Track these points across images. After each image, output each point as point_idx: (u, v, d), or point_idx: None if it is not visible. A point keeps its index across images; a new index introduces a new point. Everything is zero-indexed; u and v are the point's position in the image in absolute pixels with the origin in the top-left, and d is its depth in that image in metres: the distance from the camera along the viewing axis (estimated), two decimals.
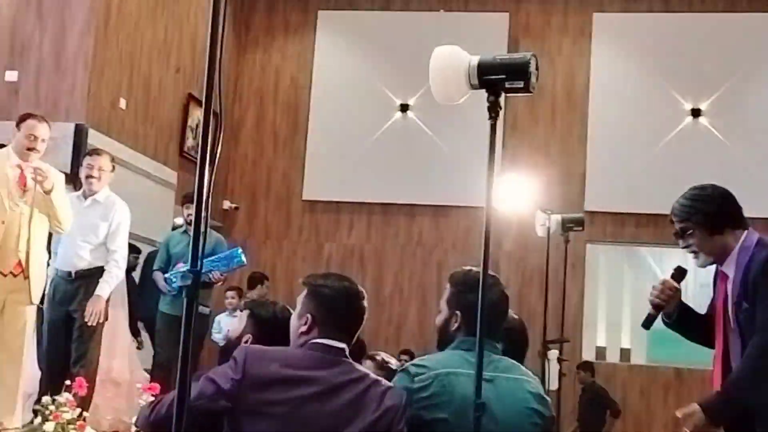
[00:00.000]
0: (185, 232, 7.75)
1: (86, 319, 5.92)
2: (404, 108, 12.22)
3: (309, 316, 3.04)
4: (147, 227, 9.15)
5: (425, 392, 3.08)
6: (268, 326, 3.38)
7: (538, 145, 12.08)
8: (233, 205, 12.61)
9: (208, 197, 2.45)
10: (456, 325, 3.27)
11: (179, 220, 9.54)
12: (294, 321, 3.12)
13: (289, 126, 12.70)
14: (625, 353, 12.52)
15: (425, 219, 12.19)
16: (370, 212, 12.40)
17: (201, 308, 7.44)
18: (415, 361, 3.25)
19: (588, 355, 11.71)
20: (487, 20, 12.21)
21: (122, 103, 9.70)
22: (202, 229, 2.42)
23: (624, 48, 11.99)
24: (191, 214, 7.33)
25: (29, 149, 5.44)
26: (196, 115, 11.55)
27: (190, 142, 11.39)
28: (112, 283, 6.15)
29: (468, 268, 3.36)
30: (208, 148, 2.45)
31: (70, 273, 6.07)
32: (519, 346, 3.69)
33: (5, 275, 5.30)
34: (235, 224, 12.62)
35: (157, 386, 5.21)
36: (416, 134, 12.12)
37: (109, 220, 6.21)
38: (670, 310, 3.72)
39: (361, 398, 2.93)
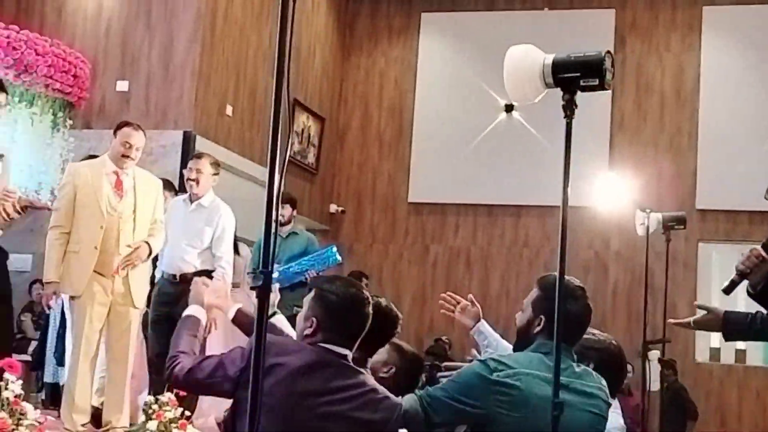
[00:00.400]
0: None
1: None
2: (509, 108, 12.15)
3: (314, 319, 3.06)
4: (255, 231, 9.30)
5: (503, 388, 3.08)
6: (412, 363, 3.53)
7: (646, 142, 11.85)
8: (340, 209, 12.75)
9: (278, 200, 2.48)
10: (538, 328, 3.26)
11: (300, 227, 9.62)
12: (300, 322, 3.15)
13: (393, 129, 12.77)
14: (740, 354, 12.14)
15: (531, 219, 12.08)
16: (476, 214, 12.37)
17: (296, 309, 7.44)
18: (496, 356, 3.24)
19: (702, 356, 11.44)
20: (592, 17, 12.04)
21: (229, 110, 9.92)
22: (273, 230, 2.45)
23: (735, 42, 11.65)
24: (283, 215, 7.46)
25: (124, 156, 5.58)
26: (301, 119, 11.73)
27: (296, 147, 11.57)
28: None
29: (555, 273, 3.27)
30: (278, 152, 2.47)
31: (174, 276, 6.20)
32: (614, 373, 3.60)
33: (107, 277, 5.47)
34: (342, 227, 12.75)
35: None
36: (521, 134, 12.03)
37: (214, 225, 6.32)
38: (756, 280, 3.58)
39: (353, 404, 2.95)
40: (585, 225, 11.09)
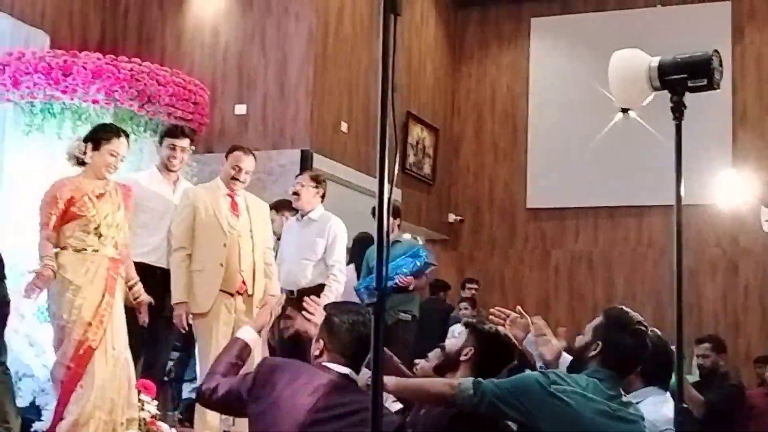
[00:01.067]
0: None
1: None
2: (625, 108, 11.95)
3: (321, 341, 3.25)
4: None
5: (557, 401, 3.18)
6: (491, 341, 3.57)
7: None
8: (458, 218, 12.77)
9: (388, 214, 2.54)
10: (594, 353, 3.37)
11: (407, 236, 9.70)
12: (312, 344, 3.33)
13: (508, 135, 12.74)
14: None
15: (655, 219, 11.84)
16: (597, 216, 12.22)
17: (402, 315, 7.46)
18: (557, 372, 3.37)
19: None
20: (707, 11, 11.78)
21: (344, 127, 10.08)
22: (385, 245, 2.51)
23: None
24: (399, 225, 7.55)
25: (234, 179, 5.75)
26: (416, 132, 11.81)
27: (411, 159, 11.66)
28: (332, 297, 6.36)
29: (626, 309, 3.51)
30: (386, 165, 2.53)
31: (292, 291, 6.33)
32: (662, 362, 3.71)
33: (232, 295, 5.64)
34: (461, 236, 12.77)
35: None
36: (639, 134, 11.80)
37: (325, 236, 6.46)
38: None
39: (348, 421, 3.03)
40: (710, 223, 10.85)
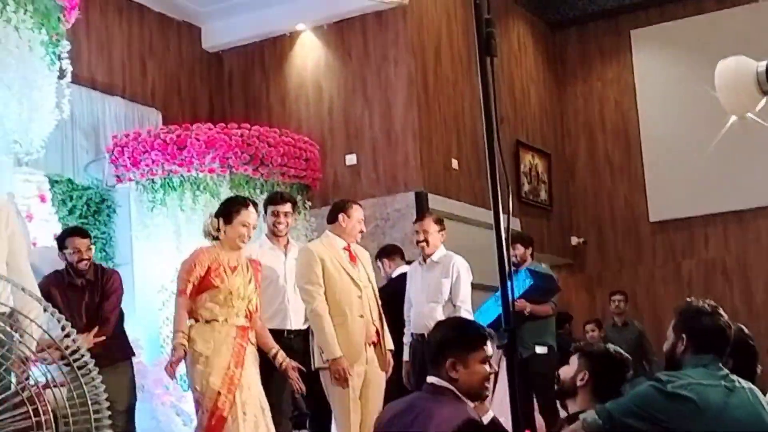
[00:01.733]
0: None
1: None
2: None
3: None
4: (492, 275, 9.36)
5: (680, 399, 3.25)
6: (603, 362, 3.63)
7: None
8: (581, 240, 12.60)
9: (508, 246, 2.54)
10: (683, 347, 3.48)
11: (544, 266, 9.53)
12: None
13: (622, 151, 12.54)
14: None
15: None
16: (725, 222, 11.88)
17: (538, 348, 7.26)
18: (664, 372, 3.44)
19: None
20: None
21: (454, 164, 10.10)
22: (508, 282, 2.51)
23: None
24: (516, 255, 7.45)
25: (360, 232, 5.86)
26: (527, 159, 11.74)
27: (526, 187, 11.58)
28: None
29: (691, 299, 3.62)
30: (499, 197, 2.54)
31: (423, 335, 6.31)
32: (750, 356, 3.91)
33: (369, 345, 5.68)
34: (586, 258, 12.58)
35: None
36: (758, 132, 11.37)
37: (449, 275, 6.45)
38: None
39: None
40: None
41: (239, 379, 5.02)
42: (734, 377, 3.46)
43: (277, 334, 5.87)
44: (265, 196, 8.38)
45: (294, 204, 6.36)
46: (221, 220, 5.24)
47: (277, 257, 6.07)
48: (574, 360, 3.67)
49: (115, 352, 5.91)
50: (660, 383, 3.32)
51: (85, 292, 5.92)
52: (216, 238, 5.30)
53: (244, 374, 5.06)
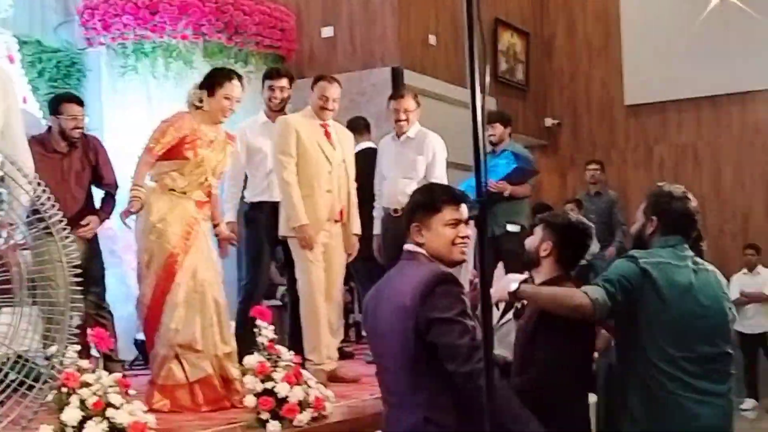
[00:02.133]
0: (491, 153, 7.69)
1: None
2: None
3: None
4: (469, 155, 9.35)
5: (649, 274, 3.42)
6: (566, 232, 3.72)
7: None
8: (555, 122, 12.59)
9: (483, 123, 2.52)
10: (652, 229, 3.62)
11: (519, 146, 9.52)
12: None
13: (601, 33, 12.43)
14: None
15: (760, 105, 11.49)
16: (698, 107, 11.90)
17: (510, 226, 7.32)
18: (632, 252, 3.57)
19: None
20: None
21: (432, 40, 9.96)
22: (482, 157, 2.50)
23: None
24: (494, 134, 7.44)
25: (322, 109, 5.78)
26: (506, 38, 11.61)
27: (503, 66, 11.49)
28: None
29: (662, 183, 3.77)
30: (476, 73, 2.50)
31: (396, 210, 6.34)
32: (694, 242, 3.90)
33: (333, 222, 5.74)
34: (560, 140, 12.60)
35: None
36: (738, 18, 11.38)
37: (425, 153, 6.45)
38: None
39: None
40: None
41: (187, 252, 4.94)
42: (699, 260, 3.60)
43: (265, 206, 6.02)
44: (239, 65, 8.31)
45: (291, 79, 6.34)
46: (204, 92, 5.13)
47: (270, 131, 6.03)
48: (538, 230, 3.75)
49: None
50: (633, 259, 3.47)
51: (68, 157, 5.95)
52: (197, 109, 5.20)
53: (198, 247, 5.02)
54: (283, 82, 6.26)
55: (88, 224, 5.84)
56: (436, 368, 3.03)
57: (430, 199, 3.29)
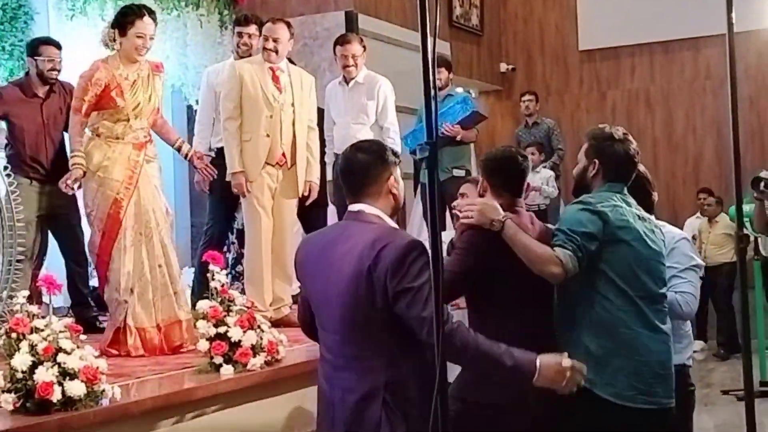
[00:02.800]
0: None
1: None
2: None
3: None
4: (420, 99, 9.32)
5: (606, 217, 3.45)
6: (501, 163, 3.68)
7: None
8: (510, 67, 12.59)
9: (434, 64, 2.52)
10: (593, 172, 3.63)
11: (459, 89, 9.59)
12: None
13: None
14: None
15: (712, 50, 11.52)
16: (651, 52, 11.96)
17: (456, 171, 7.40)
18: (584, 197, 3.59)
19: None
20: None
21: None
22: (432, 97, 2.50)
23: None
24: (440, 79, 7.45)
25: (266, 50, 5.77)
26: None
27: (458, 10, 11.43)
28: None
29: (603, 125, 3.74)
30: (427, 16, 2.49)
31: None
32: (646, 195, 3.93)
33: (273, 166, 5.75)
34: (514, 85, 12.61)
35: None
36: None
37: (375, 98, 6.45)
38: None
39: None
40: None
41: (131, 194, 4.94)
42: (642, 212, 3.66)
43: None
44: (190, 8, 8.20)
45: (260, 25, 6.28)
46: (116, 32, 5.04)
47: None
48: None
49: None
50: (588, 204, 3.50)
51: (47, 101, 6.07)
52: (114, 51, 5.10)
53: (139, 194, 5.00)
54: (252, 29, 6.29)
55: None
56: (397, 334, 2.97)
57: (390, 152, 3.22)
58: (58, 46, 6.15)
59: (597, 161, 3.62)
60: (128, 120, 5.02)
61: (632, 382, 3.42)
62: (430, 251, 2.50)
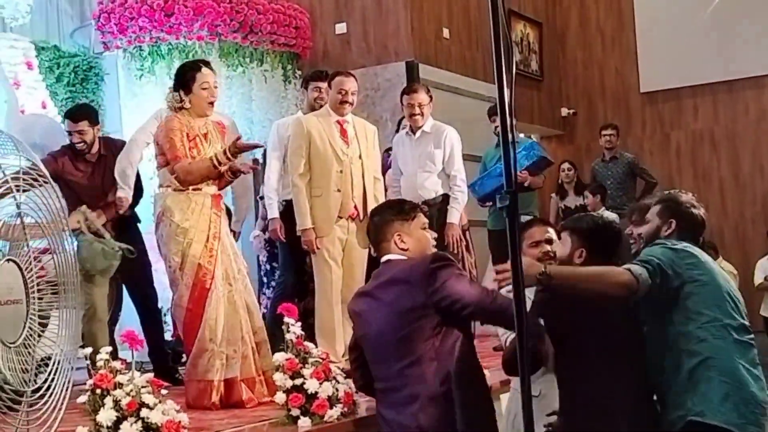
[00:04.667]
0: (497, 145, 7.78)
1: (450, 248, 6.21)
2: None
3: None
4: (482, 147, 9.27)
5: (686, 254, 3.57)
6: (597, 234, 3.72)
7: None
8: (571, 111, 12.57)
9: (512, 116, 2.53)
10: (669, 231, 3.76)
11: (521, 136, 9.59)
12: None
13: (614, 21, 12.40)
14: None
15: None
16: (714, 92, 11.86)
17: (523, 217, 7.34)
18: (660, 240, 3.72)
19: None
20: None
21: (445, 33, 9.96)
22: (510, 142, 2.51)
23: None
24: (497, 126, 7.44)
25: (342, 103, 5.76)
26: (519, 29, 11.61)
27: (517, 57, 11.47)
28: (460, 208, 6.40)
29: (674, 190, 3.98)
30: (503, 61, 2.51)
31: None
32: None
33: (344, 219, 5.72)
34: (576, 129, 12.58)
35: None
36: (752, 1, 11.35)
37: (442, 146, 6.45)
38: None
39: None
40: None
41: (217, 250, 4.96)
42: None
43: None
44: (255, 64, 8.35)
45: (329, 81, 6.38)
46: (182, 92, 5.04)
47: None
48: (565, 238, 3.73)
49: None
50: (663, 243, 3.64)
51: (98, 165, 6.10)
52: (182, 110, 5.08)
53: (221, 245, 5.01)
54: (326, 83, 6.22)
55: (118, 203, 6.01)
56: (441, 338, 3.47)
57: (402, 210, 3.78)
58: (76, 119, 6.03)
59: (674, 221, 3.77)
60: None
61: (741, 411, 3.41)
62: (513, 297, 2.53)
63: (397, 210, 3.78)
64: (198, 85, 5.02)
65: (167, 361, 6.09)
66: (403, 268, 3.58)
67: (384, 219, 3.75)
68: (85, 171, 6.06)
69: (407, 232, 3.69)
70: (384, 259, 3.70)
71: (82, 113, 6.15)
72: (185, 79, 5.06)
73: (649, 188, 9.82)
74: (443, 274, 3.46)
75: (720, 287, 3.56)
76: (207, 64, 5.17)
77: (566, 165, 10.12)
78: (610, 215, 9.12)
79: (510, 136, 2.48)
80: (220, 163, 4.88)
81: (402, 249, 3.66)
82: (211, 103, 5.11)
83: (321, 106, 6.16)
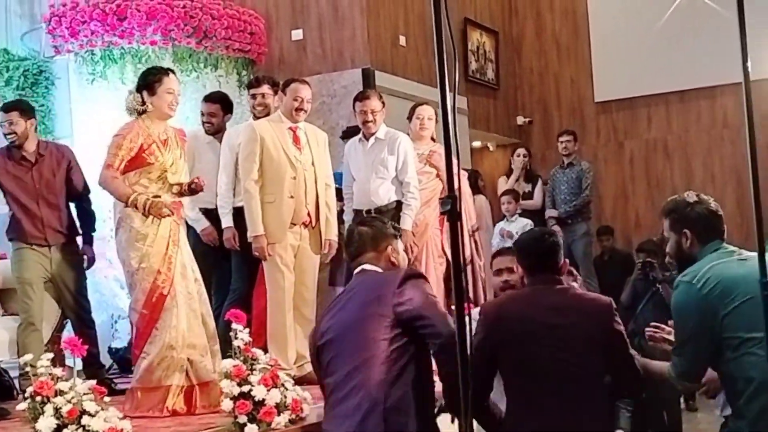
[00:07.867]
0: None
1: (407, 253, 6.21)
2: None
3: None
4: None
5: (712, 293, 3.39)
6: (525, 251, 3.89)
7: None
8: (527, 120, 12.65)
9: (454, 121, 2.54)
10: (688, 242, 3.59)
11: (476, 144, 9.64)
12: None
13: (569, 31, 12.50)
14: None
15: (728, 98, 11.53)
16: (667, 102, 11.99)
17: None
18: (682, 277, 3.51)
19: None
20: None
21: (402, 41, 9.97)
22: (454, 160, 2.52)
23: None
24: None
25: (298, 110, 5.82)
26: (475, 37, 11.65)
27: (473, 65, 11.52)
28: (412, 215, 6.41)
29: (673, 197, 3.75)
30: (445, 73, 2.52)
31: (369, 210, 6.35)
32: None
33: (297, 226, 5.76)
34: (531, 138, 12.65)
35: None
36: (704, 14, 11.45)
37: (395, 153, 6.46)
38: None
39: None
40: None
41: (176, 256, 4.99)
42: (742, 251, 3.59)
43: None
44: (209, 69, 8.30)
45: (274, 85, 6.44)
46: (145, 93, 5.10)
47: None
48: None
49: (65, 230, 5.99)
50: (689, 286, 3.45)
51: (36, 164, 5.98)
52: (141, 113, 5.13)
53: (180, 252, 5.04)
54: (264, 88, 6.42)
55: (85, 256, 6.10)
56: (397, 353, 3.53)
57: (394, 227, 4.01)
58: (6, 109, 6.00)
59: (687, 231, 3.60)
60: (165, 178, 5.07)
61: None
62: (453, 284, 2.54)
63: (391, 226, 3.99)
64: (164, 88, 5.09)
65: (101, 374, 5.95)
66: (377, 278, 3.74)
67: (382, 231, 3.90)
68: (20, 172, 5.96)
69: (396, 248, 3.90)
70: (359, 269, 3.85)
71: (13, 104, 6.14)
72: (152, 80, 5.12)
73: (583, 201, 9.93)
74: (413, 288, 3.59)
75: (748, 310, 3.34)
76: (173, 72, 5.25)
77: (522, 150, 10.39)
78: (523, 221, 9.15)
79: (453, 144, 2.47)
80: (135, 207, 4.93)
81: (392, 262, 3.85)
82: (173, 108, 5.15)
83: (262, 112, 6.22)
